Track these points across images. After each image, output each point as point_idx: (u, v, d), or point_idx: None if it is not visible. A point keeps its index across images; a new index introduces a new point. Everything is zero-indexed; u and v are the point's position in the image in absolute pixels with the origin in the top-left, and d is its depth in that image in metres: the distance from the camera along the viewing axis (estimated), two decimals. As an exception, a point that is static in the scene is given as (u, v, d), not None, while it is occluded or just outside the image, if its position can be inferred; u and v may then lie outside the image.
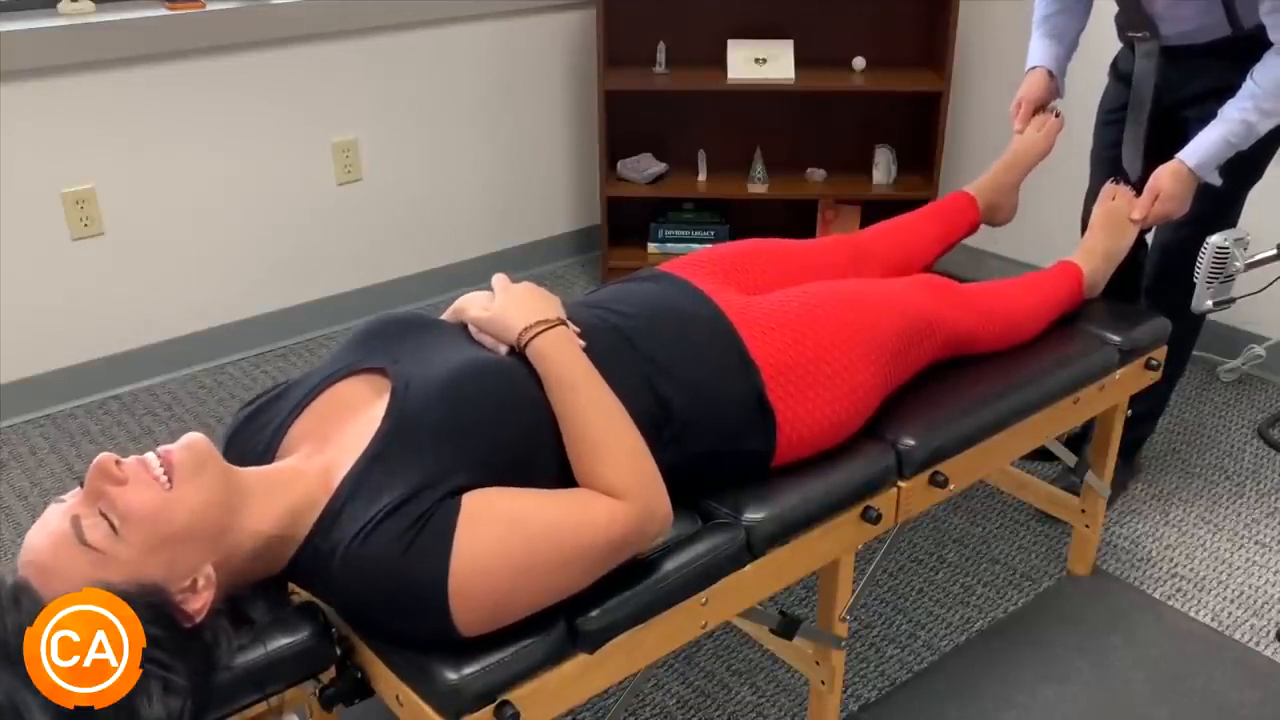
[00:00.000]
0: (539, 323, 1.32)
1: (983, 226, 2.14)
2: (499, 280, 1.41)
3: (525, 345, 1.31)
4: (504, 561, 1.15)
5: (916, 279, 1.78)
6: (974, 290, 1.84)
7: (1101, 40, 2.20)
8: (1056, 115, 2.17)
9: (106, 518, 1.08)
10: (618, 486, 1.24)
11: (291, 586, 1.32)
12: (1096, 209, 2.08)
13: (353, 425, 1.27)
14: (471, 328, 1.38)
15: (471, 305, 1.39)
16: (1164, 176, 1.96)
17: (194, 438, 1.15)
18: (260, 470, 1.23)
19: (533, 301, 1.36)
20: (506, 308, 1.35)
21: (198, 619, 1.12)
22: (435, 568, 1.14)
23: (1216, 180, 1.95)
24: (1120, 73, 2.20)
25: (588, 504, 1.23)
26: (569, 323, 1.36)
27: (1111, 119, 2.22)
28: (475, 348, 1.35)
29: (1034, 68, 2.17)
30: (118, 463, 1.10)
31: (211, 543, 1.14)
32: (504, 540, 1.16)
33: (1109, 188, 2.08)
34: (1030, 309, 1.89)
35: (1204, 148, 1.92)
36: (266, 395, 1.39)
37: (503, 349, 1.34)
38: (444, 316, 1.44)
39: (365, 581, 1.16)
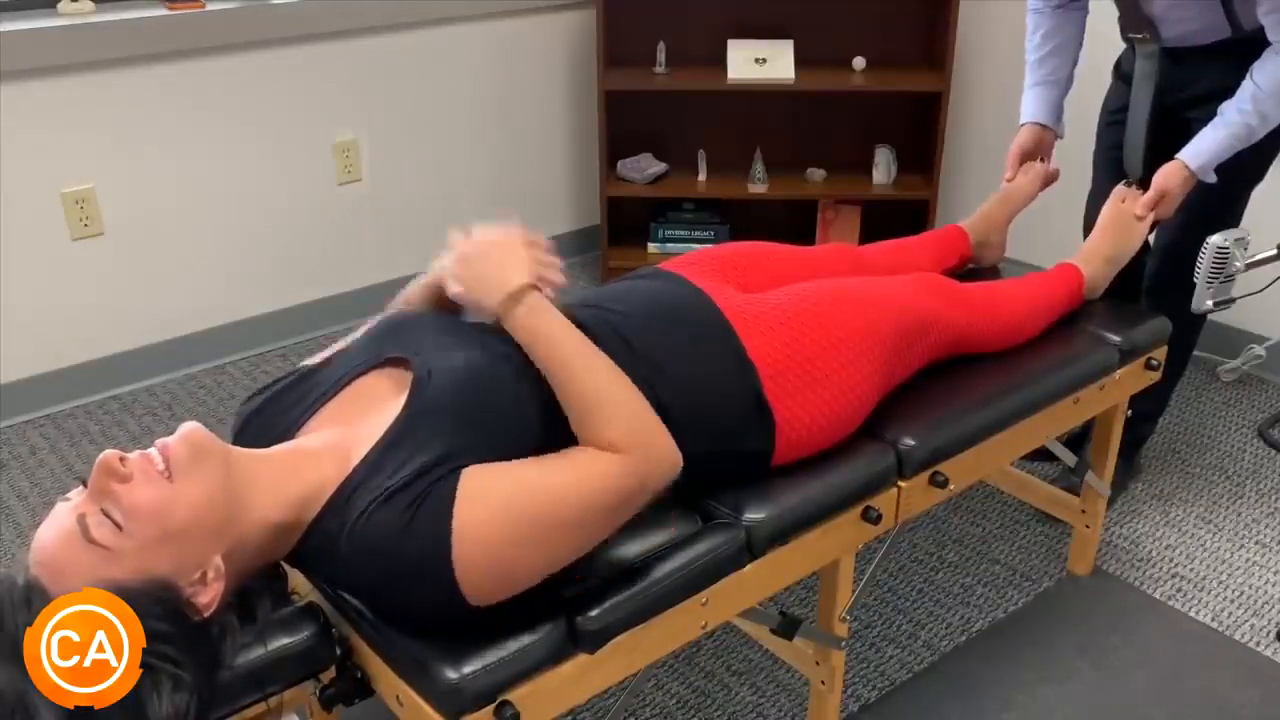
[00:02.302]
0: (507, 298, 1.30)
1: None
2: (456, 246, 1.38)
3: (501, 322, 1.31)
4: (506, 523, 1.16)
5: (916, 277, 1.78)
6: (973, 289, 1.84)
7: (1105, 42, 2.20)
8: (1042, 161, 2.20)
9: (110, 515, 1.08)
10: (614, 441, 1.24)
11: (292, 586, 1.32)
12: (1106, 210, 2.07)
13: (375, 414, 1.28)
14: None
15: (448, 280, 1.38)
16: (1173, 180, 1.95)
17: (191, 429, 1.15)
18: (269, 453, 1.24)
19: (496, 269, 1.33)
20: (472, 286, 1.34)
21: (207, 613, 1.12)
22: (438, 534, 1.14)
23: (1211, 178, 1.95)
24: (1124, 74, 2.20)
25: (586, 463, 1.23)
26: (540, 283, 1.33)
27: (1115, 120, 2.22)
28: (494, 340, 1.35)
29: (1024, 124, 2.19)
30: (122, 459, 1.10)
31: (219, 534, 1.14)
32: (506, 501, 1.16)
33: (1121, 190, 2.07)
34: (1030, 310, 1.89)
35: (1206, 150, 1.92)
36: (284, 381, 1.39)
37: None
38: (421, 286, 1.45)
39: (371, 557, 1.17)
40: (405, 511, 1.15)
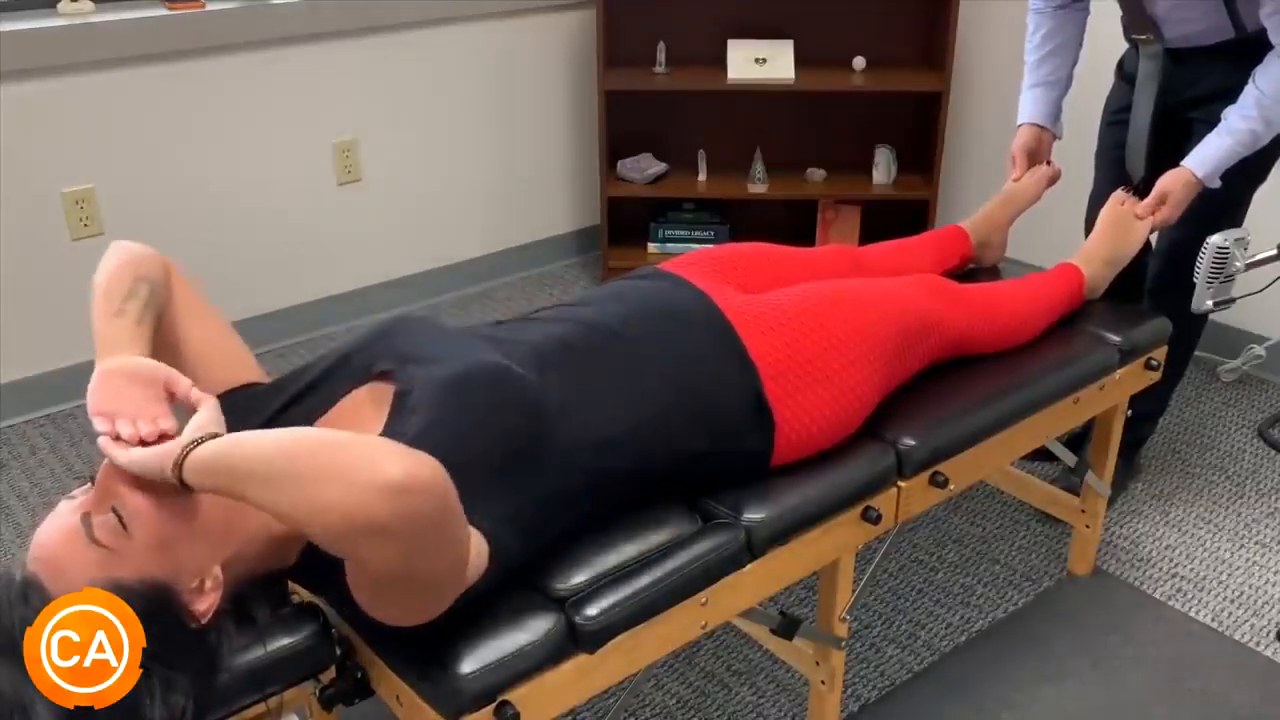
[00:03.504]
0: (175, 469, 1.06)
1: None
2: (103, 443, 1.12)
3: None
4: (365, 591, 1.10)
5: (916, 278, 1.78)
6: (974, 291, 1.84)
7: (1107, 41, 2.20)
8: (1048, 164, 2.19)
9: (117, 515, 1.08)
10: (341, 548, 1.03)
11: (292, 587, 1.32)
12: (1105, 212, 2.07)
13: (362, 429, 1.27)
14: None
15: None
16: (1177, 185, 1.95)
17: None
18: None
19: (150, 460, 1.07)
20: (144, 465, 1.08)
21: (203, 620, 1.12)
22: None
23: (1217, 184, 1.95)
24: (1126, 73, 2.20)
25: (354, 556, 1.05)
26: (167, 425, 1.12)
27: (1117, 119, 2.22)
28: (484, 349, 1.35)
29: (1021, 125, 2.19)
30: None
31: (220, 543, 1.14)
32: (362, 574, 1.08)
33: (1119, 195, 2.07)
34: (1030, 310, 1.89)
35: (1212, 158, 1.91)
36: (290, 390, 1.37)
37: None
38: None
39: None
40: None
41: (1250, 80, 1.87)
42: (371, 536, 0.98)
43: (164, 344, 1.36)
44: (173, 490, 1.10)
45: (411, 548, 1.01)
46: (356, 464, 0.98)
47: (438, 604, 1.14)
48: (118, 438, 1.11)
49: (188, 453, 1.05)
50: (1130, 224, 2.03)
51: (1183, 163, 1.94)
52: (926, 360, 1.73)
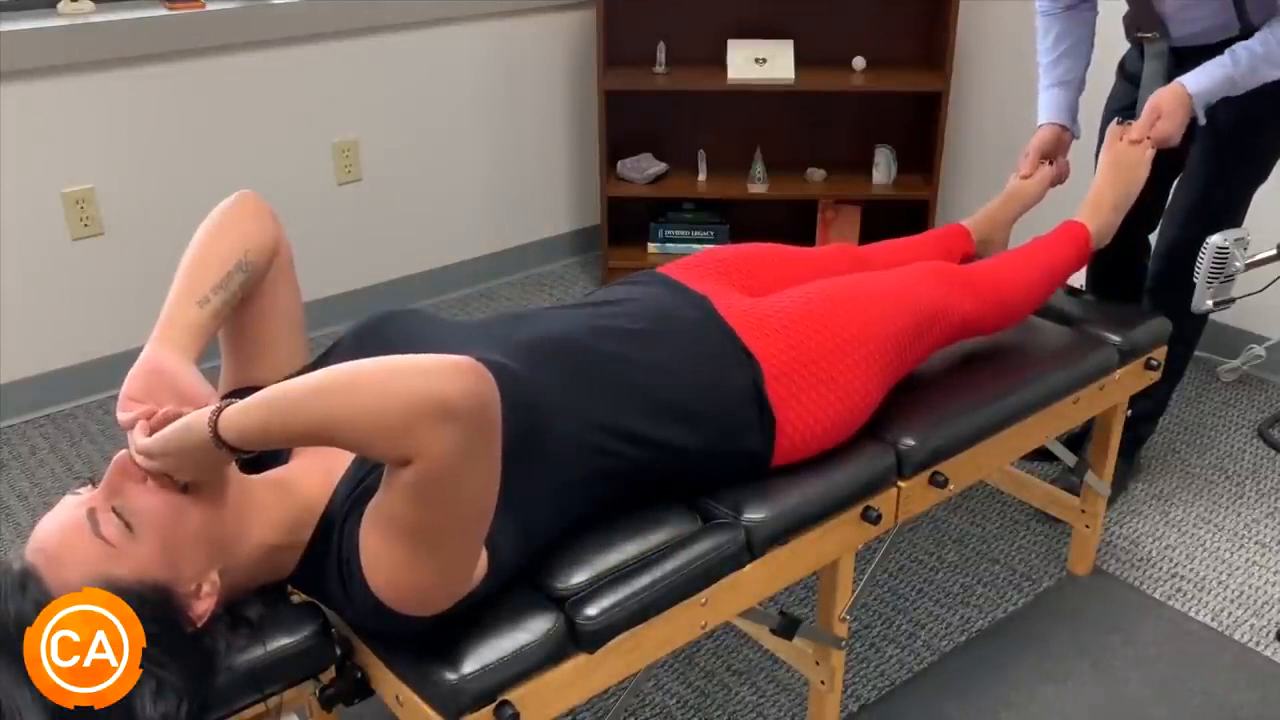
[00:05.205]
0: (214, 436, 1.05)
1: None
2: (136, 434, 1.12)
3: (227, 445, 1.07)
4: (390, 550, 1.11)
5: (919, 268, 1.76)
6: (977, 271, 1.81)
7: (1109, 41, 2.20)
8: (1051, 163, 2.18)
9: (121, 514, 1.07)
10: (395, 459, 1.04)
11: (290, 586, 1.32)
12: (1104, 154, 2.05)
13: None
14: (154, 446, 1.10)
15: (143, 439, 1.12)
16: (1165, 95, 1.95)
17: None
18: (265, 477, 1.24)
19: (176, 431, 1.08)
20: (171, 438, 1.08)
21: (199, 624, 1.12)
22: (357, 574, 1.14)
23: (1202, 119, 1.95)
24: (1128, 73, 2.21)
25: (396, 485, 1.07)
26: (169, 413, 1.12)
27: (1118, 119, 2.22)
28: (475, 343, 1.34)
29: (1042, 124, 2.19)
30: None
31: (221, 549, 1.14)
32: (383, 531, 1.10)
33: (1115, 129, 2.04)
34: (1035, 280, 1.86)
35: (1207, 79, 1.91)
36: None
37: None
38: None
39: (335, 585, 1.18)
40: (335, 545, 1.17)
41: (1267, 24, 1.88)
42: (439, 421, 1.00)
43: (229, 323, 1.39)
44: (180, 491, 1.10)
45: (471, 437, 1.02)
46: (418, 360, 1.02)
47: (460, 567, 1.13)
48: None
49: (221, 408, 1.05)
50: (1132, 159, 2.00)
51: (1177, 79, 1.94)
52: (932, 349, 1.72)
